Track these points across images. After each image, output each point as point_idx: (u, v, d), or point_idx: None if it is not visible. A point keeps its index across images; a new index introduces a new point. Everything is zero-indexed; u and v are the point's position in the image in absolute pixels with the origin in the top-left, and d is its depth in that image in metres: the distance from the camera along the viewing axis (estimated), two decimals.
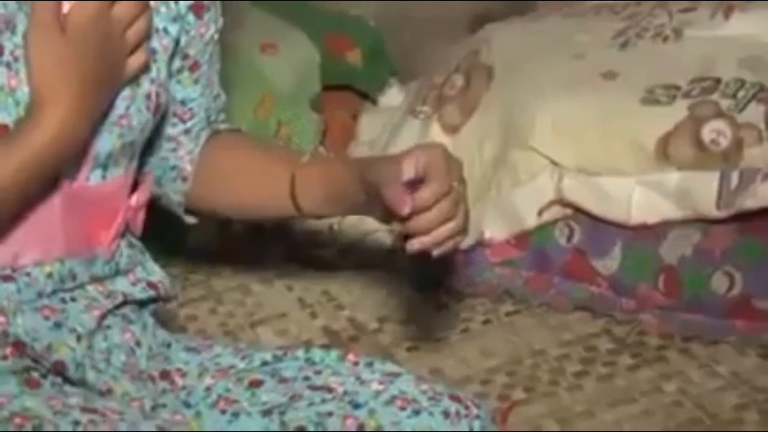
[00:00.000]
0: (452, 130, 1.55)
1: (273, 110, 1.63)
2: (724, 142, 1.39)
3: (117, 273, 1.00)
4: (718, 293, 1.37)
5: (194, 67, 1.07)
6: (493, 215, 1.46)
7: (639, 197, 1.40)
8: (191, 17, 1.04)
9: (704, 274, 1.37)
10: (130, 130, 1.00)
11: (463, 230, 0.97)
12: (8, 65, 0.92)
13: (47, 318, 0.96)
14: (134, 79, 0.99)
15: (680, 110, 1.41)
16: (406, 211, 0.94)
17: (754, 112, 1.40)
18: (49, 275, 0.96)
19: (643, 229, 1.40)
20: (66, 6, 0.92)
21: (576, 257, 1.43)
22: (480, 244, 1.46)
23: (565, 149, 1.43)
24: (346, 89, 1.74)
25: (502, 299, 1.47)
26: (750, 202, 1.36)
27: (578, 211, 1.42)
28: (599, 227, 1.42)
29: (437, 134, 1.55)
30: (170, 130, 1.08)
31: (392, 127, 1.65)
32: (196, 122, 1.09)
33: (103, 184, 1.00)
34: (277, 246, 1.57)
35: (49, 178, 0.95)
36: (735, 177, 1.37)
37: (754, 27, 1.49)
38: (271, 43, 1.67)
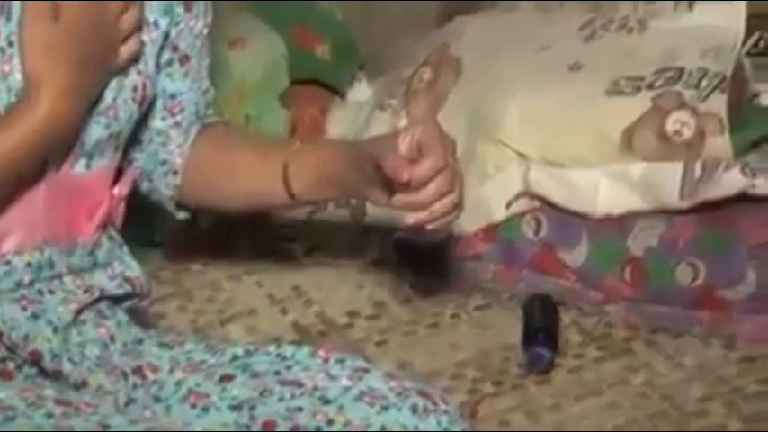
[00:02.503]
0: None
1: (242, 105, 1.63)
2: (687, 133, 1.41)
3: (95, 265, 1.02)
4: (682, 284, 1.39)
5: (184, 60, 1.08)
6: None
7: (605, 188, 1.42)
8: (180, 10, 1.05)
9: (669, 264, 1.39)
10: (117, 120, 1.01)
11: (459, 205, 0.99)
12: (2, 50, 0.93)
13: (24, 308, 0.97)
14: (123, 70, 1.00)
15: (644, 101, 1.43)
16: (405, 177, 0.95)
17: (716, 102, 1.42)
18: (28, 264, 0.98)
19: (609, 221, 1.42)
20: None
21: (543, 250, 1.44)
22: (449, 237, 1.47)
23: (532, 142, 1.45)
24: (315, 84, 1.75)
25: (471, 293, 1.48)
26: (713, 192, 1.38)
27: (546, 203, 1.44)
28: (566, 219, 1.44)
29: None
30: (160, 124, 1.09)
31: (361, 121, 1.66)
32: (186, 116, 1.10)
33: (88, 174, 1.01)
34: (246, 241, 1.57)
35: (41, 160, 0.96)
36: (698, 168, 1.39)
37: (716, 17, 1.51)
38: (239, 38, 1.67)
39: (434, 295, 1.48)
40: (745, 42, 1.51)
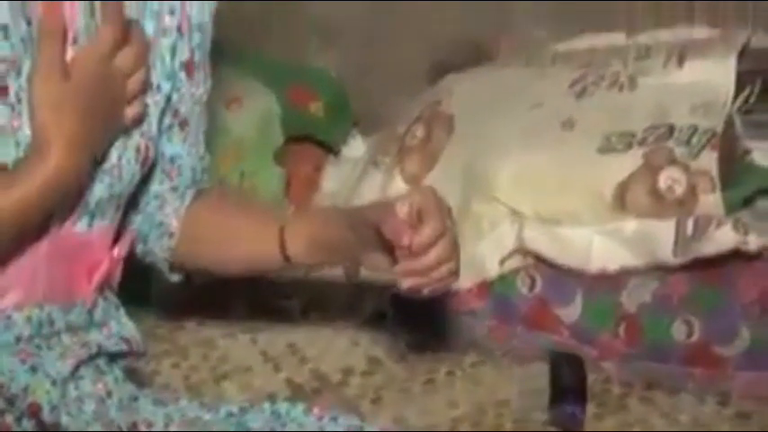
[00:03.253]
0: (414, 180, 1.57)
1: (238, 162, 1.65)
2: (679, 189, 1.42)
3: (92, 324, 1.03)
4: (677, 341, 1.39)
5: (183, 124, 1.10)
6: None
7: (599, 245, 1.42)
8: (183, 75, 1.07)
9: (664, 321, 1.40)
10: (120, 180, 1.03)
11: (456, 272, 1.00)
12: (12, 106, 0.95)
13: (23, 361, 0.97)
14: (127, 130, 1.02)
15: (636, 158, 1.44)
16: (406, 241, 0.96)
17: (707, 159, 1.43)
18: (28, 319, 0.99)
19: (603, 277, 1.42)
20: (69, 52, 0.96)
21: (538, 306, 1.45)
22: (444, 294, 1.47)
23: (525, 199, 1.46)
24: (309, 141, 1.77)
25: (466, 349, 1.48)
26: (706, 249, 1.38)
27: (540, 259, 1.44)
28: (560, 276, 1.44)
29: (399, 185, 1.57)
30: (157, 187, 1.11)
31: (355, 178, 1.67)
32: (183, 180, 1.12)
33: (89, 233, 1.03)
34: (241, 299, 1.58)
35: (46, 215, 0.97)
36: (690, 224, 1.40)
37: (706, 74, 1.53)
38: (235, 98, 1.69)
39: (429, 352, 1.48)
40: (735, 99, 1.53)
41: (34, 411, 0.96)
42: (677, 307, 1.39)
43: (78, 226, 1.01)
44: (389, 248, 0.99)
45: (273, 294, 1.59)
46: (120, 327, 1.04)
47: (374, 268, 1.04)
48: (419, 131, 1.62)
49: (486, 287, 1.46)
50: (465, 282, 1.46)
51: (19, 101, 0.95)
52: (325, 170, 1.73)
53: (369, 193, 1.60)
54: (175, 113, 1.09)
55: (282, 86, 1.75)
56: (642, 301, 1.41)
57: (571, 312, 1.44)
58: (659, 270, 1.41)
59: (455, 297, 1.46)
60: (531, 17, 1.81)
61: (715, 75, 1.53)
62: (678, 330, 1.39)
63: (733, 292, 1.39)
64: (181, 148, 1.10)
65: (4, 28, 0.94)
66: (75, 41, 0.96)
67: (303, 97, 1.76)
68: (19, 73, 0.95)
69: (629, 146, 1.46)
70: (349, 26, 1.86)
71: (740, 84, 1.54)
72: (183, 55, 1.07)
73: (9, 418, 0.96)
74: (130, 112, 1.00)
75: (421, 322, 1.49)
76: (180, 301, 1.55)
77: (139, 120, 1.02)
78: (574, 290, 1.44)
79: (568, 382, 1.36)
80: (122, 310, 1.06)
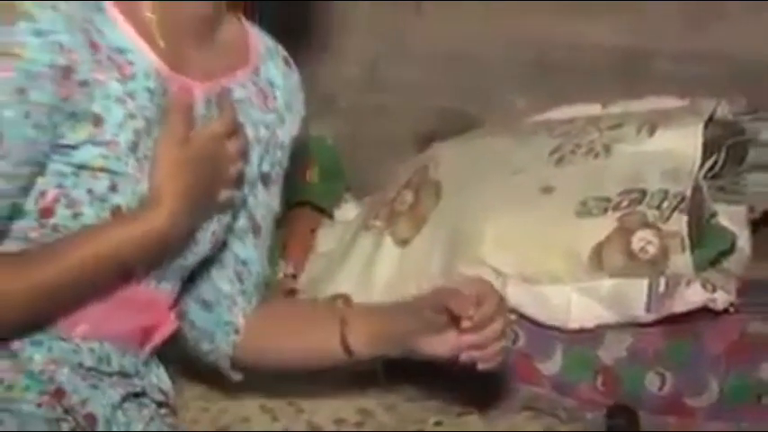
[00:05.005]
0: (403, 243, 1.63)
1: None
2: (651, 250, 1.48)
3: (138, 372, 1.12)
4: (651, 392, 1.44)
5: (257, 231, 1.22)
6: None
7: (577, 303, 1.49)
8: (261, 185, 1.21)
9: (638, 374, 1.45)
10: (193, 254, 1.13)
11: (504, 352, 1.16)
12: (139, 159, 1.05)
13: (84, 378, 1.08)
14: (215, 213, 1.14)
15: (611, 221, 1.51)
16: (472, 311, 1.10)
17: (677, 222, 1.50)
18: (91, 351, 1.09)
19: (581, 332, 1.48)
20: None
21: (521, 360, 1.49)
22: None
23: (508, 260, 1.52)
24: (305, 205, 1.82)
25: (453, 400, 1.51)
26: (677, 306, 1.45)
27: (522, 316, 1.50)
28: (541, 331, 1.50)
29: (389, 247, 1.63)
30: (228, 288, 1.21)
31: (347, 240, 1.73)
32: (251, 283, 1.21)
33: (155, 292, 1.12)
34: None
35: (137, 263, 1.07)
36: (662, 283, 1.46)
37: (675, 142, 1.60)
38: None
39: (418, 402, 1.52)
40: (702, 165, 1.59)
41: (90, 422, 1.05)
42: (650, 360, 1.45)
43: (146, 283, 1.11)
44: (454, 322, 1.12)
45: None
46: (159, 380, 1.12)
47: (431, 350, 1.15)
48: (408, 196, 1.67)
49: None
50: None
51: (145, 157, 1.04)
52: (319, 232, 1.79)
53: (360, 254, 1.66)
54: (251, 218, 1.20)
55: None
56: (618, 355, 1.46)
57: (551, 366, 1.49)
58: (633, 325, 1.47)
59: None
60: (513, 88, 1.89)
61: (683, 143, 1.59)
62: (651, 382, 1.44)
63: (701, 346, 1.44)
64: (253, 253, 1.20)
65: (151, 92, 1.04)
66: (193, 123, 1.07)
67: (302, 166, 1.82)
68: (149, 134, 1.04)
69: (605, 210, 1.53)
70: (343, 96, 1.94)
71: (707, 151, 1.60)
72: (265, 166, 1.18)
73: (65, 426, 1.04)
74: (224, 195, 1.10)
75: (410, 373, 1.54)
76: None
77: (228, 206, 1.13)
78: (554, 344, 1.49)
79: None
80: (162, 368, 1.14)
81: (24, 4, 0.98)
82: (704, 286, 1.45)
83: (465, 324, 1.13)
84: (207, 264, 1.19)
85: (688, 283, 1.45)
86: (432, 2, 1.90)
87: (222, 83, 1.13)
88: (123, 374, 1.11)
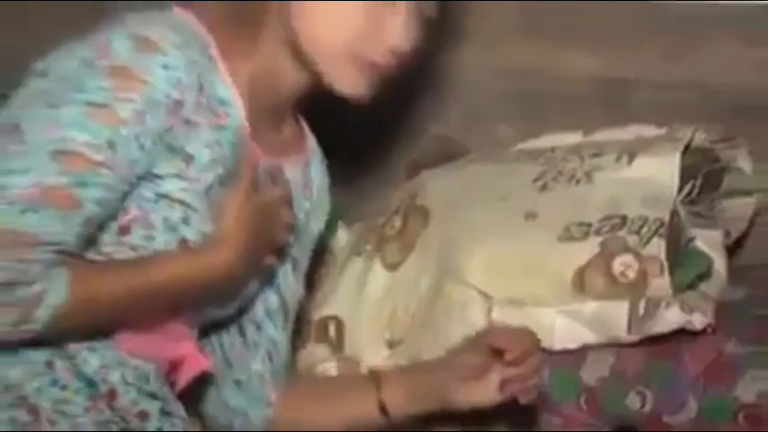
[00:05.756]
0: (392, 267, 1.68)
1: None
2: (632, 274, 1.53)
3: (166, 403, 1.18)
4: (633, 410, 1.49)
5: (287, 313, 1.30)
6: (426, 341, 1.57)
7: (561, 325, 1.53)
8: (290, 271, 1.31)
9: (620, 393, 1.49)
10: (224, 306, 1.21)
11: (536, 387, 1.25)
12: (210, 201, 1.13)
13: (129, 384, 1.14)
14: (260, 275, 1.23)
15: (593, 245, 1.56)
16: (513, 344, 1.21)
17: (656, 246, 1.55)
18: (135, 368, 1.14)
19: (565, 352, 1.52)
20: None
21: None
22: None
23: (494, 283, 1.56)
24: None
25: (433, 421, 1.48)
26: (656, 328, 1.49)
27: None
28: None
29: (379, 271, 1.68)
30: (260, 367, 1.28)
31: (339, 264, 1.77)
32: (280, 363, 1.29)
33: (191, 331, 1.20)
34: None
35: (188, 298, 1.14)
36: (642, 306, 1.51)
37: (653, 169, 1.64)
38: None
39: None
40: (680, 192, 1.64)
41: (142, 419, 1.12)
42: (632, 380, 1.49)
43: (184, 318, 1.18)
44: (496, 358, 1.21)
45: None
46: (183, 422, 1.19)
47: (472, 398, 1.25)
48: (397, 222, 1.72)
49: None
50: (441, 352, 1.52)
51: (215, 201, 1.13)
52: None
53: (351, 278, 1.70)
54: (283, 299, 1.29)
55: None
56: (600, 375, 1.51)
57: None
58: (615, 346, 1.51)
59: None
60: (499, 117, 1.93)
61: (662, 171, 1.63)
62: (633, 401, 1.48)
63: (681, 366, 1.48)
64: (282, 335, 1.28)
65: (234, 146, 1.14)
66: (258, 184, 1.17)
67: None
68: (223, 182, 1.13)
69: (587, 235, 1.57)
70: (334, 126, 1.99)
71: (684, 177, 1.65)
72: (297, 252, 1.28)
73: (114, 427, 1.10)
74: (269, 260, 1.19)
75: None
76: None
77: (269, 272, 1.23)
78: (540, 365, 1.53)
79: None
80: (180, 404, 1.20)
81: (160, 40, 1.09)
82: (682, 308, 1.50)
83: (509, 356, 1.22)
84: (241, 346, 1.28)
85: (667, 305, 1.50)
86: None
87: (279, 161, 1.24)
88: (154, 397, 1.16)
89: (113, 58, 1.07)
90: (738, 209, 1.70)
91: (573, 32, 1.90)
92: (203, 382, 1.25)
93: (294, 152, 1.29)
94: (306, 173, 1.30)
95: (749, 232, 1.74)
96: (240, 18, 1.17)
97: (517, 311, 1.55)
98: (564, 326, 1.53)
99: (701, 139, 1.71)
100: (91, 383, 1.10)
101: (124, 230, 1.11)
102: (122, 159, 1.07)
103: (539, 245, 1.58)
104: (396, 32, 1.17)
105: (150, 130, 1.08)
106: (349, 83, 1.19)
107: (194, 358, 1.19)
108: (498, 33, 1.92)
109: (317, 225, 1.35)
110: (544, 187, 1.67)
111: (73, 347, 1.10)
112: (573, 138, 1.77)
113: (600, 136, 1.76)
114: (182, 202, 1.12)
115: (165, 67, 1.08)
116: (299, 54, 1.19)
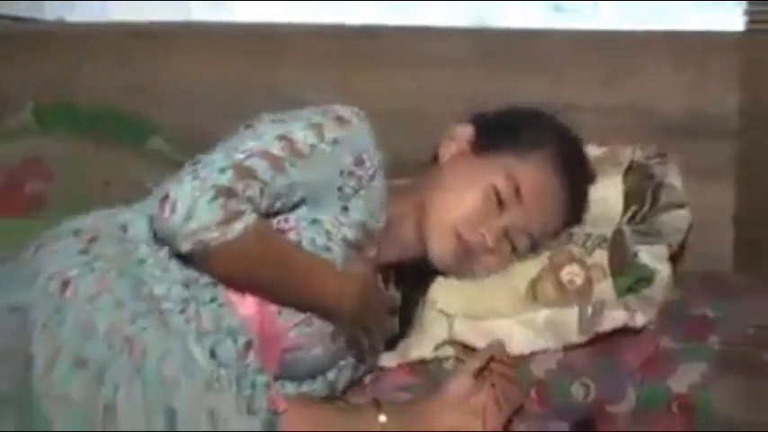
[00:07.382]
0: None
1: None
2: (578, 281, 1.65)
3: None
4: (577, 400, 1.58)
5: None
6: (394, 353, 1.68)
7: (517, 334, 1.63)
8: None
9: (565, 384, 1.59)
10: (317, 361, 1.53)
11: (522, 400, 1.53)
12: (347, 248, 1.48)
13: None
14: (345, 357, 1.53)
15: (542, 259, 1.67)
16: (503, 352, 1.52)
17: (599, 255, 1.67)
18: (248, 329, 1.43)
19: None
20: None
21: None
22: (380, 371, 1.66)
23: (456, 302, 1.67)
24: None
25: None
26: (602, 327, 1.61)
27: (468, 348, 1.65)
28: None
29: None
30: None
31: None
32: None
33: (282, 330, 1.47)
34: None
35: (311, 296, 1.44)
36: (590, 309, 1.63)
37: (599, 192, 1.75)
38: None
39: None
40: (625, 211, 1.76)
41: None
42: (577, 372, 1.58)
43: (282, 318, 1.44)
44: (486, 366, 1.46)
45: None
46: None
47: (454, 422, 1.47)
48: None
49: (418, 366, 1.65)
50: (405, 358, 1.65)
51: (349, 257, 1.47)
52: None
53: None
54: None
55: None
56: (548, 368, 1.60)
57: None
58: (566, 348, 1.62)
59: (391, 374, 1.64)
60: None
61: (605, 192, 1.75)
62: (577, 391, 1.58)
63: (621, 360, 1.59)
64: None
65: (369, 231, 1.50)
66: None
67: None
68: (356, 246, 1.46)
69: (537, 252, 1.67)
70: None
71: (629, 200, 1.77)
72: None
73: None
74: (362, 341, 1.49)
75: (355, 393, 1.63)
76: None
77: (358, 349, 1.52)
78: None
79: None
80: None
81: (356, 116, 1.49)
82: (625, 308, 1.62)
83: (497, 358, 1.48)
84: None
85: (611, 307, 1.62)
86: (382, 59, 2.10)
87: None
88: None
89: None
90: (675, 222, 1.80)
91: (520, 62, 2.04)
92: None
93: None
94: None
95: (686, 242, 1.84)
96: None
97: (478, 325, 1.65)
98: (520, 334, 1.63)
99: (637, 155, 1.84)
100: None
101: (280, 232, 1.43)
102: (313, 170, 1.43)
103: None
104: (492, 235, 1.56)
105: (340, 160, 1.45)
106: (443, 249, 1.55)
107: (274, 349, 1.45)
108: (451, 62, 2.06)
109: None
110: None
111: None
112: None
113: None
114: (328, 233, 1.43)
115: (363, 119, 1.51)
116: (419, 225, 1.55)
